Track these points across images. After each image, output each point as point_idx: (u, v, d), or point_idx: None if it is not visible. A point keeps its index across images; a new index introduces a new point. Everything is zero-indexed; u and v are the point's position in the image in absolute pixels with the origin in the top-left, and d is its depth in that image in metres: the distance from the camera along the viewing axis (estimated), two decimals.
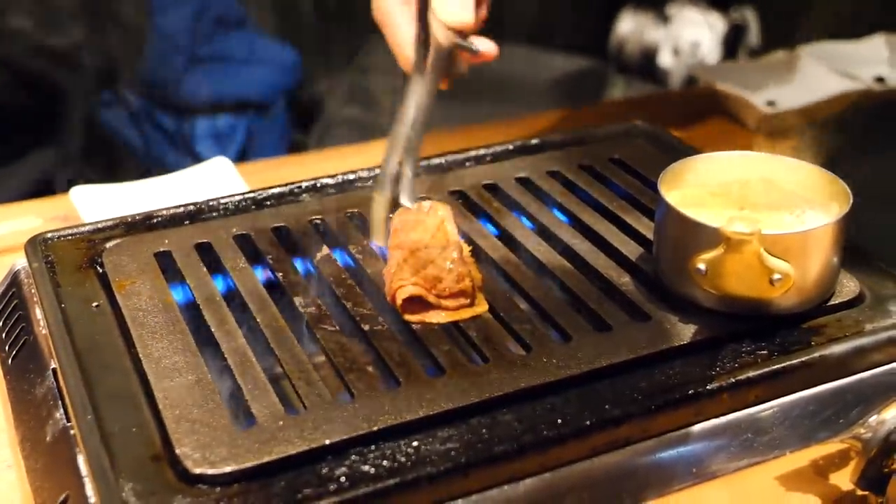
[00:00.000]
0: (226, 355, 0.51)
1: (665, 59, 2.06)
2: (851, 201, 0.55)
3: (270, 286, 0.58)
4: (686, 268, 0.53)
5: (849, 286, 0.57)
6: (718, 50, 2.05)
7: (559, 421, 0.48)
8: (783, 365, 0.51)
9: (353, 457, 0.45)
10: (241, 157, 1.63)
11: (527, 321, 0.55)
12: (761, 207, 0.59)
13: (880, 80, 1.13)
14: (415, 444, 0.46)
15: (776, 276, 0.52)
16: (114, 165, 1.35)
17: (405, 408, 0.48)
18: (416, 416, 0.47)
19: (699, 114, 1.17)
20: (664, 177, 0.58)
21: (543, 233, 0.64)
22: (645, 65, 2.10)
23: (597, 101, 1.61)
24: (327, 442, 0.46)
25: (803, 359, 0.52)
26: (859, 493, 0.54)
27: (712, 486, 0.51)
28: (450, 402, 0.48)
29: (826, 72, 1.15)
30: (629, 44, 2.13)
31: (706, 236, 0.52)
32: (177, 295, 0.57)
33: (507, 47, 2.11)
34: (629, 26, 2.14)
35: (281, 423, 0.47)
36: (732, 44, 2.05)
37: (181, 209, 0.65)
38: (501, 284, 0.58)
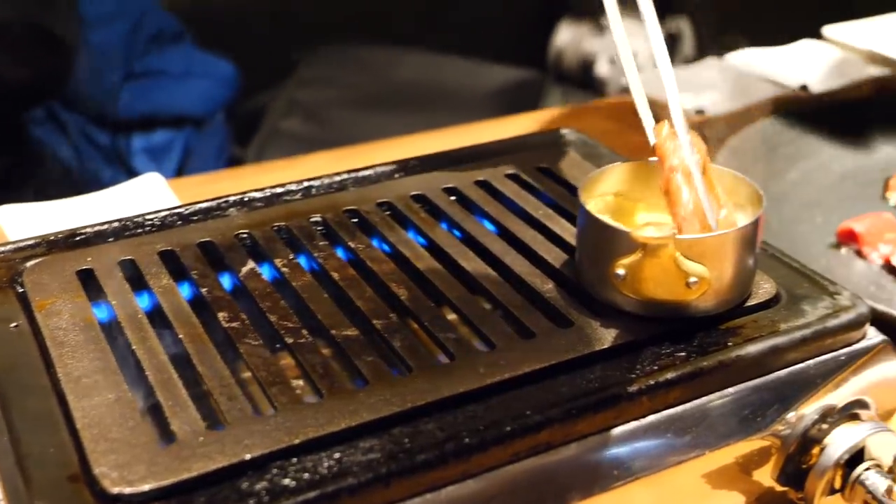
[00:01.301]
0: (147, 372, 0.51)
1: (602, 69, 2.08)
2: (765, 204, 0.56)
3: (194, 302, 0.58)
4: (606, 273, 0.54)
5: (765, 287, 0.58)
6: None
7: (481, 428, 0.48)
8: (701, 366, 0.52)
9: (274, 471, 0.45)
10: (179, 172, 1.62)
11: (452, 330, 0.55)
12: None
13: (804, 87, 1.15)
14: (336, 455, 0.46)
15: (692, 279, 0.52)
16: (47, 184, 1.33)
17: (327, 420, 0.48)
18: (338, 428, 0.47)
19: (634, 122, 1.19)
20: (584, 184, 0.59)
21: (470, 242, 0.64)
22: (583, 74, 2.13)
23: (534, 111, 1.62)
24: (248, 457, 0.46)
25: (721, 359, 0.53)
26: (779, 488, 0.55)
27: (637, 486, 0.51)
28: (372, 412, 0.48)
29: (753, 78, 1.17)
30: (567, 54, 2.15)
31: (624, 242, 0.53)
32: (99, 313, 0.56)
33: (446, 59, 2.13)
34: (567, 37, 2.17)
35: (201, 439, 0.47)
36: (668, 53, 2.08)
37: (105, 226, 0.65)
38: (427, 295, 0.59)
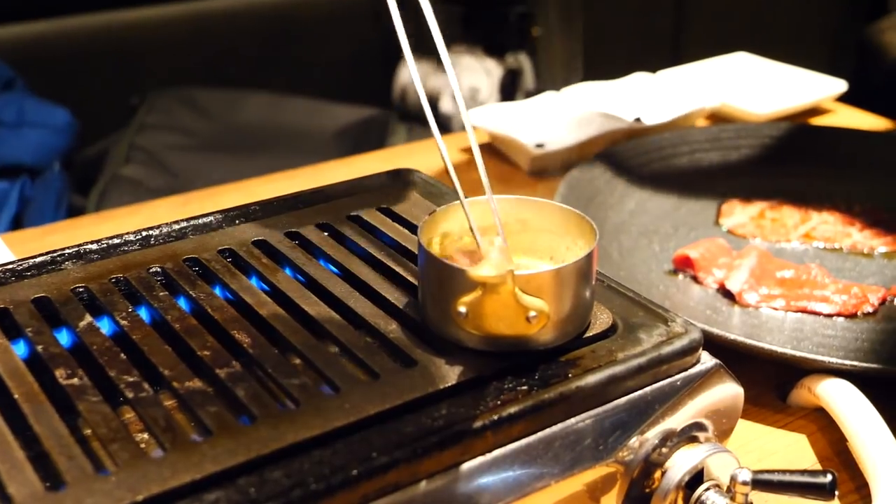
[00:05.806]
0: None
1: (446, 105, 2.11)
2: (598, 237, 0.58)
3: (30, 360, 0.56)
4: (449, 311, 0.55)
5: (602, 318, 0.59)
6: (497, 94, 2.12)
7: (327, 472, 0.48)
8: (543, 398, 0.53)
9: None
10: (16, 224, 1.57)
11: (296, 376, 0.55)
12: (518, 247, 0.61)
13: (638, 119, 1.19)
14: None
15: (532, 314, 0.54)
16: None
17: (170, 474, 0.47)
18: (181, 482, 0.47)
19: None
20: (424, 224, 0.60)
21: (313, 286, 0.64)
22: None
23: (380, 149, 1.64)
24: None
25: (562, 390, 0.54)
26: None
27: None
28: (216, 464, 0.48)
29: (590, 112, 1.21)
30: (411, 92, 2.17)
31: (463, 280, 0.54)
32: None
33: (289, 99, 2.12)
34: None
35: (40, 501, 0.45)
36: (510, 88, 2.13)
37: None
38: (271, 341, 0.58)
